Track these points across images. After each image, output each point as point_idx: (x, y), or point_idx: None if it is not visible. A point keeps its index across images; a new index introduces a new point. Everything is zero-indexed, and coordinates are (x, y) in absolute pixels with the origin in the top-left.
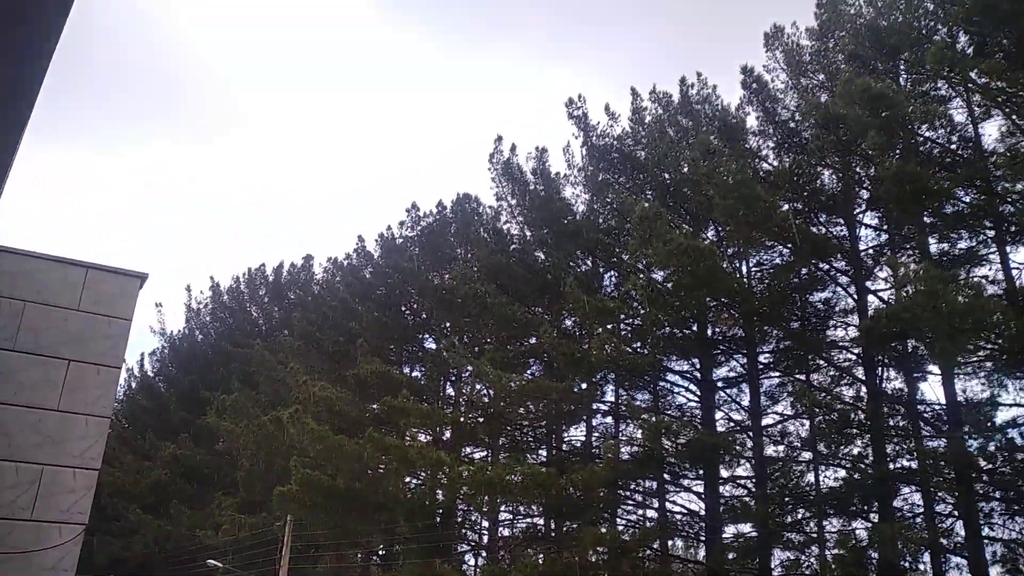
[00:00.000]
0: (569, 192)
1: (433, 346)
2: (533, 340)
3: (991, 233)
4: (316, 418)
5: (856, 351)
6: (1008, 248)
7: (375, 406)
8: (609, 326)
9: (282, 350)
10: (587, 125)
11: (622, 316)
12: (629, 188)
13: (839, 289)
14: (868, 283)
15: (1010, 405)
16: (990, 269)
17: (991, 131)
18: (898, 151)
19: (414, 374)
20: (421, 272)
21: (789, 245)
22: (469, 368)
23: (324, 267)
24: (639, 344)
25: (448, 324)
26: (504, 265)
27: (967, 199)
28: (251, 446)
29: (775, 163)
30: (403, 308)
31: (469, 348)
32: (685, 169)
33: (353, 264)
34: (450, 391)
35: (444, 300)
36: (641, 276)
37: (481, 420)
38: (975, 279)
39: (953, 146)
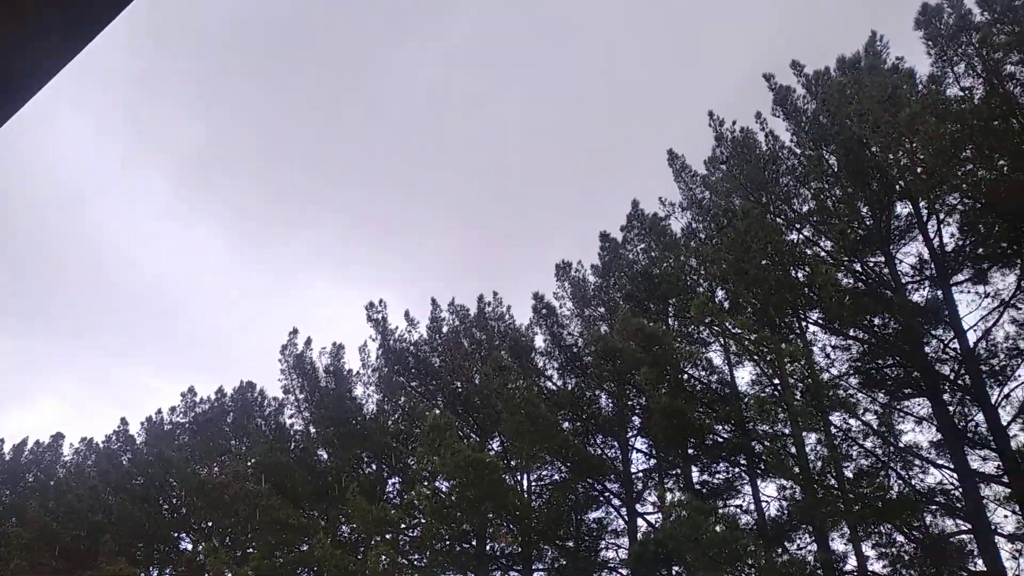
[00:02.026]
0: (361, 391)
1: (189, 547)
2: (305, 547)
3: (745, 466)
4: None
5: (626, 573)
6: (759, 482)
7: None
8: (388, 536)
9: (7, 544)
10: (386, 329)
11: (403, 526)
12: (422, 392)
13: (612, 509)
14: (638, 506)
15: None
16: (743, 500)
17: (743, 375)
18: (666, 386)
19: None
20: (187, 463)
21: (568, 463)
22: None
23: (76, 448)
24: (417, 556)
25: (211, 523)
26: (283, 463)
27: (725, 434)
28: None
29: (559, 383)
30: (161, 501)
31: (231, 553)
32: (477, 380)
33: (111, 448)
34: None
35: (210, 496)
36: (426, 485)
37: None
38: (732, 509)
39: (714, 385)
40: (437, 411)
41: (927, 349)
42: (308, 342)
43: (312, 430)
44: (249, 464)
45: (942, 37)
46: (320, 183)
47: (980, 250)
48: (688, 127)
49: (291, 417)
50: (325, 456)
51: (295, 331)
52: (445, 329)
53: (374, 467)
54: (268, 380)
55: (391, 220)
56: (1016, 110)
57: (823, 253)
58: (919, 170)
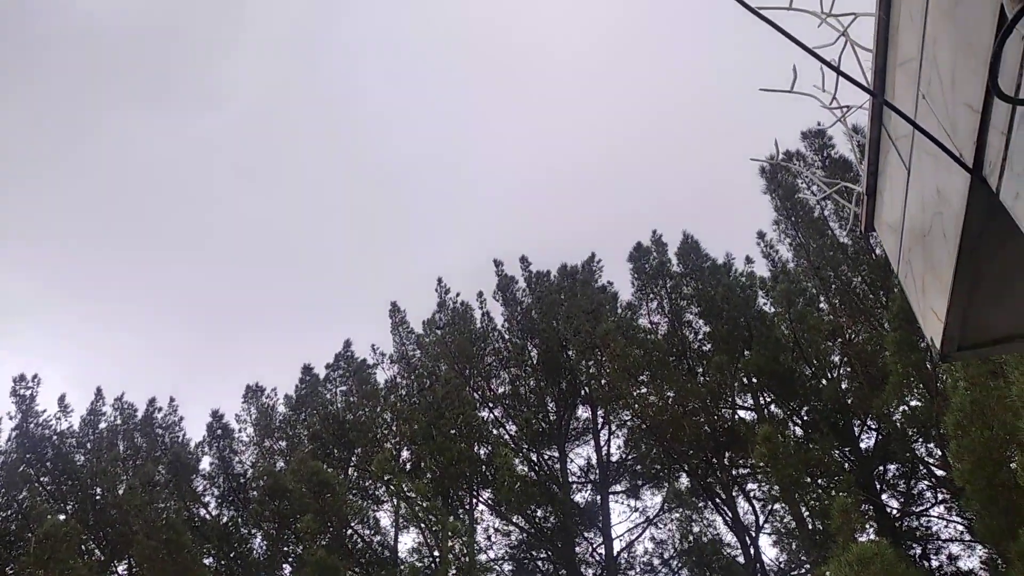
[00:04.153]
0: None
1: None
2: None
3: None
4: None
5: None
6: None
7: None
8: None
9: None
10: (30, 409)
11: None
12: (51, 491)
13: None
14: None
15: None
16: None
17: (406, 541)
18: (327, 538)
19: None
20: None
21: None
22: None
23: None
24: None
25: None
26: None
27: None
28: None
29: (215, 512)
30: None
31: None
32: (121, 492)
33: None
34: None
35: None
36: None
37: None
38: None
39: (375, 546)
40: (61, 517)
41: (578, 549)
42: None
43: None
44: None
45: (645, 274)
46: (8, 226)
47: (638, 467)
48: (415, 284)
49: None
50: None
51: None
52: (103, 426)
53: None
54: None
55: (84, 292)
56: (688, 352)
57: (507, 436)
58: (603, 381)
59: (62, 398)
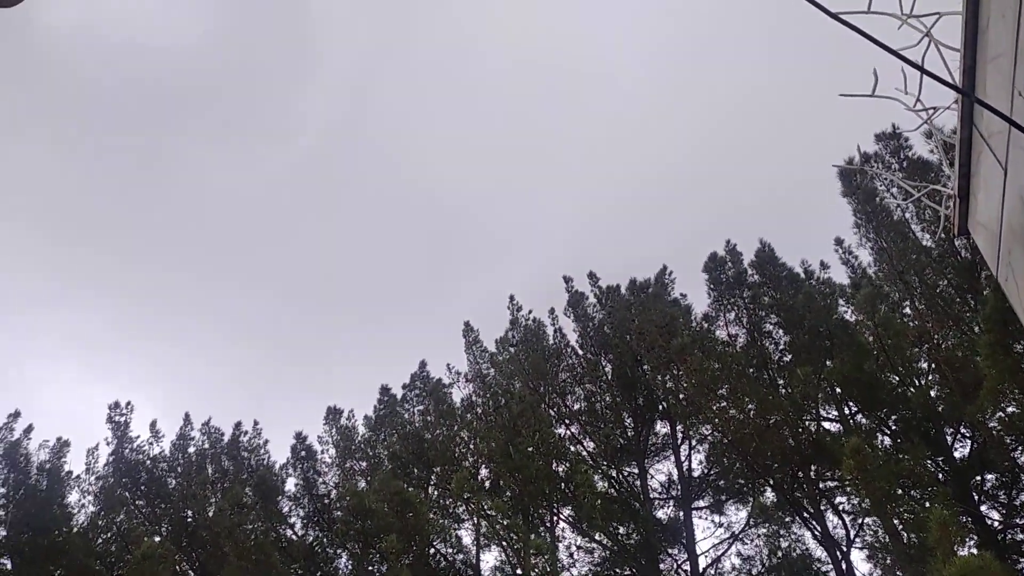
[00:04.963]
0: (76, 498)
1: None
2: None
3: None
4: None
5: None
6: None
7: None
8: None
9: None
10: (124, 435)
11: None
12: (146, 514)
13: None
14: None
15: None
16: None
17: (488, 559)
18: (411, 557)
19: None
20: None
21: None
22: None
23: None
24: None
25: None
26: None
27: None
28: None
29: (301, 532)
30: None
31: None
32: (211, 513)
33: None
34: None
35: None
36: None
37: None
38: None
39: (458, 565)
40: (157, 538)
41: (662, 566)
42: (28, 430)
43: (2, 532)
44: None
45: (721, 285)
46: (99, 264)
47: (721, 482)
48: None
49: None
50: (9, 565)
51: (16, 414)
52: (192, 450)
53: None
54: None
55: (170, 321)
56: (768, 364)
57: (585, 453)
58: (681, 396)
59: (153, 424)
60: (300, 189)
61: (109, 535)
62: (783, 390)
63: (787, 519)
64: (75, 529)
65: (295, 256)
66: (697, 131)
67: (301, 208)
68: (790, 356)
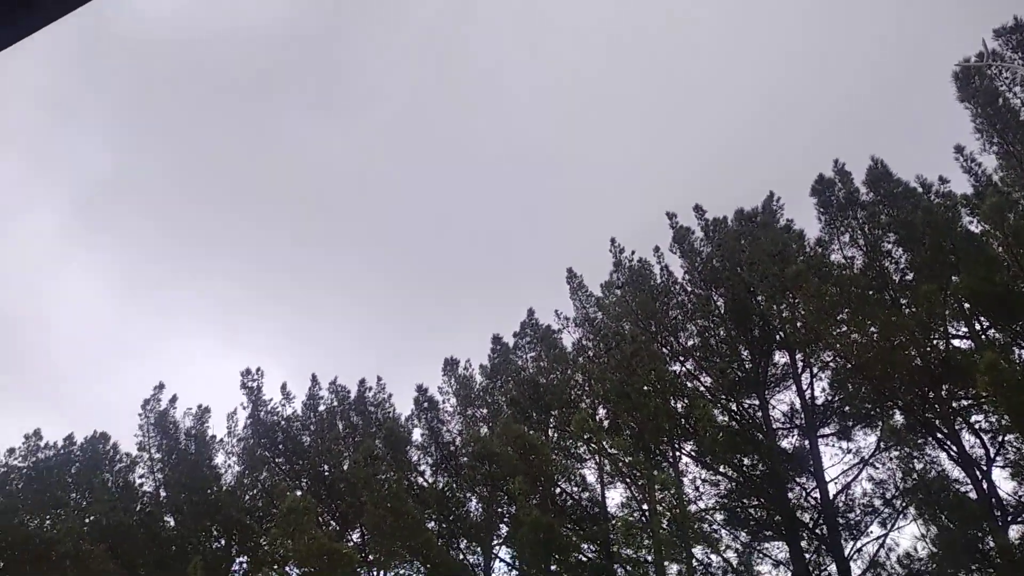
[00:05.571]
0: (221, 460)
1: None
2: None
3: None
4: None
5: None
6: None
7: None
8: None
9: None
10: (259, 399)
11: None
12: (286, 470)
13: None
14: None
15: None
16: None
17: (614, 496)
18: (537, 498)
19: None
20: (16, 511)
21: (428, 564)
22: None
23: None
24: None
25: None
26: (124, 525)
27: (590, 554)
28: None
29: (431, 479)
30: None
31: None
32: (346, 466)
33: None
34: None
35: (35, 551)
36: (276, 569)
37: None
38: None
39: (584, 503)
40: (299, 493)
41: (790, 495)
42: (173, 400)
43: (162, 493)
44: (87, 521)
45: (832, 207)
46: (221, 241)
47: (847, 408)
48: (592, 246)
49: (142, 477)
50: (172, 523)
51: (161, 386)
52: (321, 408)
53: (223, 542)
54: (124, 434)
55: (289, 289)
56: (888, 284)
57: (702, 388)
58: (799, 324)
59: (284, 386)
60: (396, 150)
61: (255, 491)
62: (907, 310)
63: (920, 440)
64: (224, 488)
65: (398, 217)
66: (794, 46)
67: (399, 168)
68: (912, 274)
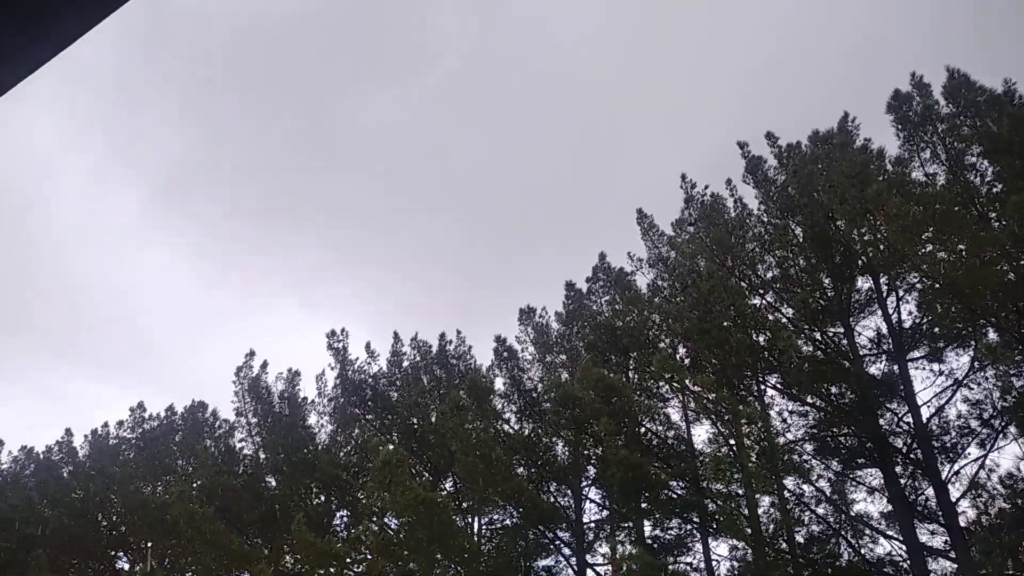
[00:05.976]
0: (314, 420)
1: (126, 566)
2: (246, 575)
3: (697, 524)
4: None
5: None
6: (711, 540)
7: None
8: (332, 570)
9: None
10: (345, 359)
11: (348, 560)
12: (376, 426)
13: (562, 558)
14: (588, 556)
15: None
16: (694, 557)
17: (700, 433)
18: (623, 438)
19: None
20: (130, 479)
21: (520, 508)
22: None
23: (14, 456)
24: None
25: (151, 544)
26: (229, 487)
27: (680, 491)
28: None
29: (516, 426)
30: (100, 517)
31: (169, 575)
32: (434, 418)
33: (52, 459)
34: None
35: (151, 515)
36: (375, 521)
37: None
38: (682, 566)
39: (670, 441)
40: (391, 446)
41: (881, 421)
42: (264, 365)
43: (262, 456)
44: (195, 485)
45: (910, 123)
46: (295, 211)
47: (936, 329)
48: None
49: (241, 441)
50: (273, 483)
51: (252, 353)
52: (405, 364)
53: (323, 498)
54: (221, 401)
55: (363, 251)
56: (975, 198)
57: (784, 320)
58: (882, 247)
59: (368, 345)
60: (452, 108)
61: (349, 448)
62: (996, 223)
63: (1018, 357)
64: (319, 446)
65: (461, 173)
66: None
67: (457, 125)
68: (1000, 186)
